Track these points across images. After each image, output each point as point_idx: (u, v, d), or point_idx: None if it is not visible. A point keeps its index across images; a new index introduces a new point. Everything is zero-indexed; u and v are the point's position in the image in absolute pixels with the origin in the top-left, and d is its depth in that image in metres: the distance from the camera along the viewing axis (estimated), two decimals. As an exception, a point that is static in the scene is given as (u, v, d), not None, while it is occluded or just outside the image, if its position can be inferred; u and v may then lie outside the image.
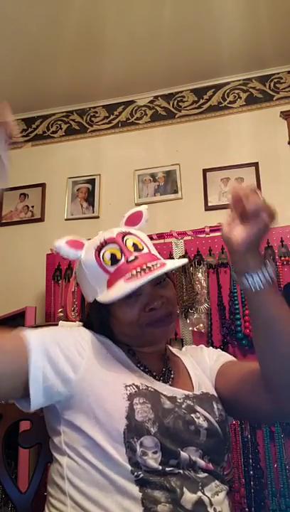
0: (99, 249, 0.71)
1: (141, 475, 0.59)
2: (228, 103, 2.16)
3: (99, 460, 0.60)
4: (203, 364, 0.79)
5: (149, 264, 0.68)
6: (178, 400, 0.66)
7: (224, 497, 0.64)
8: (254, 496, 1.36)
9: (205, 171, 2.08)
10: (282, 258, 1.55)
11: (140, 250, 0.72)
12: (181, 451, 0.62)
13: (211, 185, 2.06)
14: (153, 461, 0.59)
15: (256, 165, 2.02)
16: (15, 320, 1.74)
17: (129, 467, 0.59)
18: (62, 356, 0.64)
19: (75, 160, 2.28)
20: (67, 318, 1.65)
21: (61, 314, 1.70)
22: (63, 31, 1.83)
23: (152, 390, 0.65)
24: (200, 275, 1.61)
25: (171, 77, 2.16)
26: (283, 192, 1.95)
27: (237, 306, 1.54)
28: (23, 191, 2.31)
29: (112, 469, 0.59)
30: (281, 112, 2.06)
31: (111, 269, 0.70)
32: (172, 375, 0.73)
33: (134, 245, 0.72)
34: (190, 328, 1.57)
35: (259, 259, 0.60)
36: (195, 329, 1.56)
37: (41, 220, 2.25)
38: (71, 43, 1.89)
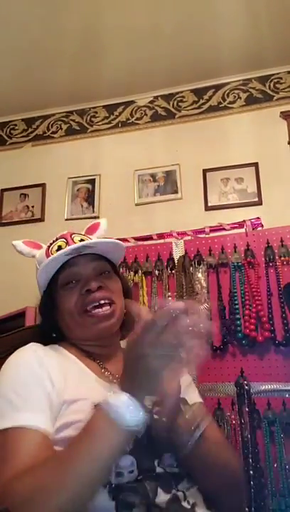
0: (50, 244, 0.79)
1: (114, 485, 0.57)
2: (228, 103, 2.16)
3: None
4: None
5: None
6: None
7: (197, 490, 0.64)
8: (253, 496, 1.35)
9: (205, 171, 2.08)
10: (282, 258, 1.54)
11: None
12: (157, 466, 0.61)
13: (211, 185, 2.06)
14: (128, 478, 0.58)
15: (256, 165, 2.02)
16: (16, 320, 1.74)
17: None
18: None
19: (75, 160, 2.28)
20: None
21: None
22: (63, 31, 1.83)
23: None
24: (200, 275, 1.61)
25: (171, 78, 2.16)
26: (283, 192, 1.95)
27: (236, 306, 1.53)
28: (23, 191, 2.31)
29: None
30: (281, 112, 2.06)
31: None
32: None
33: (81, 241, 0.78)
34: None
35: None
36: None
37: (41, 220, 2.25)
38: (71, 43, 1.89)
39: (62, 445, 0.58)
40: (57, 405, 0.62)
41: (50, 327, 0.78)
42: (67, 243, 0.77)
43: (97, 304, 0.72)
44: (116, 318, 0.74)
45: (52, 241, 0.79)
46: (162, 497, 0.58)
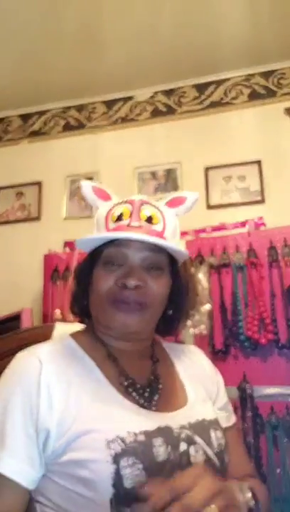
0: (116, 204, 0.67)
1: None
2: (230, 99, 2.12)
3: None
4: (202, 374, 0.73)
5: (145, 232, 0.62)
6: (175, 431, 0.59)
7: None
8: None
9: (206, 169, 2.04)
10: (285, 258, 1.53)
11: (152, 224, 0.64)
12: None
13: (213, 184, 2.02)
14: None
15: (259, 162, 1.99)
16: (12, 322, 1.71)
17: None
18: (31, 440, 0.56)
19: (73, 157, 2.24)
20: (64, 320, 1.62)
21: (59, 316, 1.67)
22: (61, 25, 1.79)
23: (142, 439, 0.55)
24: (201, 276, 1.58)
25: (172, 72, 2.12)
26: (286, 190, 1.92)
27: (239, 308, 1.51)
28: (20, 189, 2.27)
29: None
30: (285, 109, 2.02)
31: (112, 226, 0.65)
32: (160, 385, 0.65)
33: (149, 217, 0.64)
34: (191, 330, 1.54)
35: None
36: (197, 331, 1.53)
37: (38, 219, 2.21)
38: (69, 37, 1.85)
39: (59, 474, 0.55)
40: (56, 438, 0.56)
41: (82, 293, 0.69)
42: (130, 215, 0.64)
43: (126, 303, 0.64)
44: (145, 321, 0.65)
45: (118, 202, 0.68)
46: None
